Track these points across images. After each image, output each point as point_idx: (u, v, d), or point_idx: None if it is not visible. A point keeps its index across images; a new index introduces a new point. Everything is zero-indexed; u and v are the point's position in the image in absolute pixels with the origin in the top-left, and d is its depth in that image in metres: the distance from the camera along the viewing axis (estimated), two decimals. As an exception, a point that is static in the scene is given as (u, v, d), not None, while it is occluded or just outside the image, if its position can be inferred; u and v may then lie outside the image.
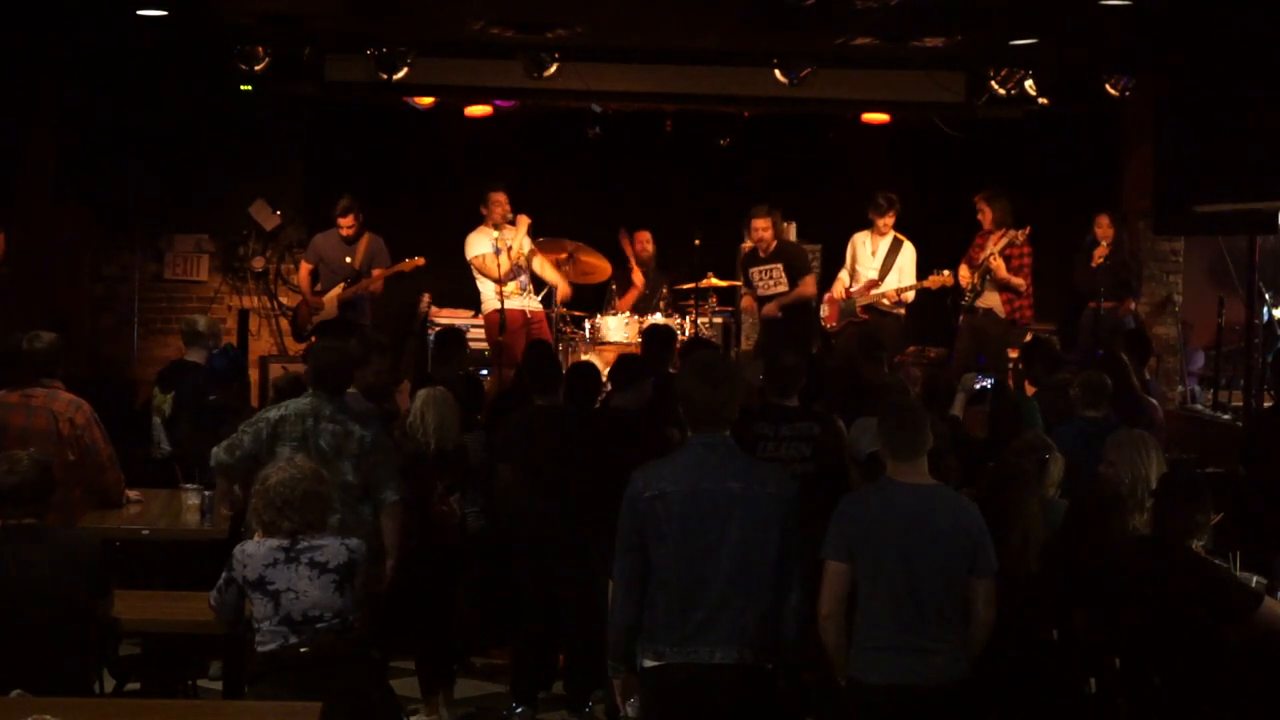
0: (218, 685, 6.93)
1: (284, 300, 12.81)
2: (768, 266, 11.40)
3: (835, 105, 12.92)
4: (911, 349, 12.11)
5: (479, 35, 11.10)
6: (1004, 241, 11.39)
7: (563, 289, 11.86)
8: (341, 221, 11.53)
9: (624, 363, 8.36)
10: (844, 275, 11.78)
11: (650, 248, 12.86)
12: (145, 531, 7.19)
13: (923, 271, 11.61)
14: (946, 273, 11.47)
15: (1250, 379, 10.74)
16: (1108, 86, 11.99)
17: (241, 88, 11.81)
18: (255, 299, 12.87)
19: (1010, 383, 10.64)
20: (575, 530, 7.23)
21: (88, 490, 7.31)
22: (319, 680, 5.24)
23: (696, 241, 11.99)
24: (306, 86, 12.05)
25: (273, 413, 6.57)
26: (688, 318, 12.01)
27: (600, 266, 12.54)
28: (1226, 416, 11.30)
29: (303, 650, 5.31)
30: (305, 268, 11.86)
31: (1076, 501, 6.32)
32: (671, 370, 8.78)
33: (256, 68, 11.36)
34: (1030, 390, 9.43)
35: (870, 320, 11.51)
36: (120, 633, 5.97)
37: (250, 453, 6.47)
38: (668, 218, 13.04)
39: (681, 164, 13.47)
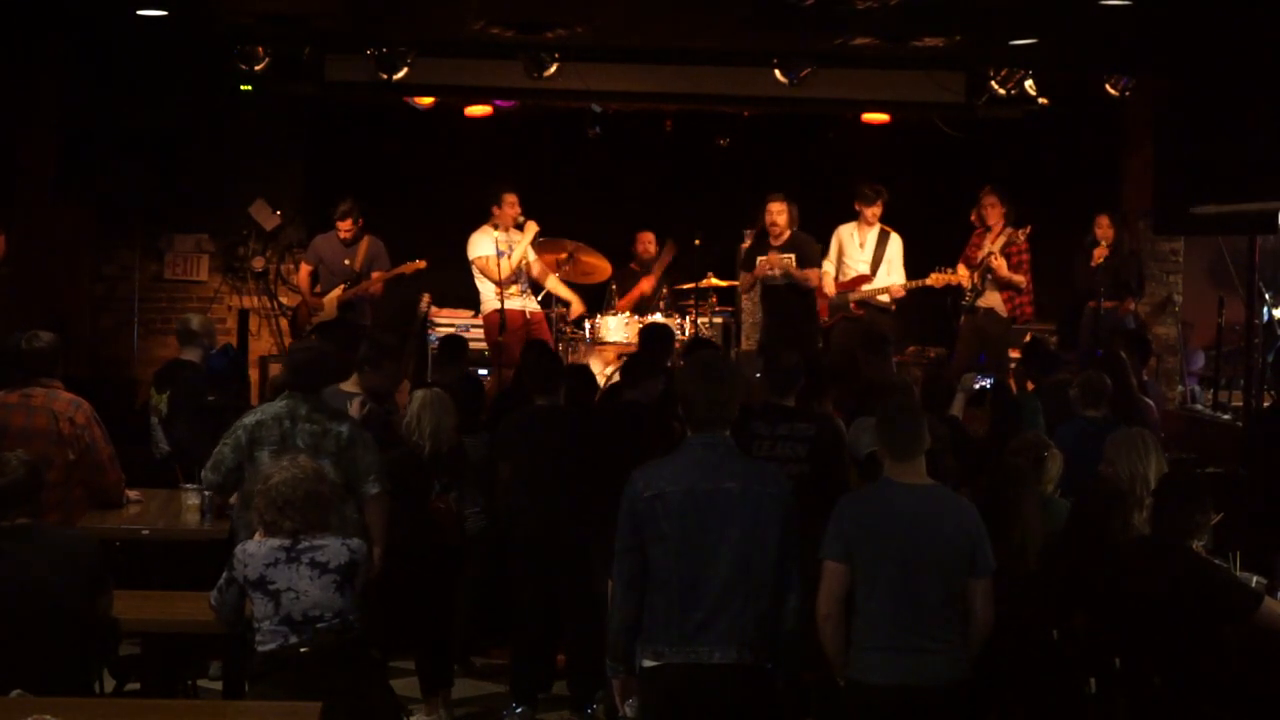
0: (218, 685, 6.93)
1: (284, 300, 12.81)
2: (780, 256, 11.27)
3: (835, 105, 12.92)
4: (911, 349, 12.11)
5: (479, 35, 11.09)
6: (1002, 240, 11.38)
7: (576, 307, 11.86)
8: (340, 225, 11.53)
9: (636, 359, 8.40)
10: (829, 268, 11.60)
11: (653, 249, 12.85)
12: (145, 531, 7.20)
13: (912, 268, 11.57)
14: (950, 270, 11.44)
15: (1250, 379, 10.74)
16: (1108, 86, 11.99)
17: (241, 88, 11.81)
18: (255, 299, 12.87)
19: (1012, 383, 10.63)
20: (575, 530, 7.23)
21: (88, 490, 7.31)
22: (319, 680, 5.24)
23: (696, 241, 11.99)
24: (306, 86, 12.04)
25: (249, 419, 6.60)
26: (688, 318, 12.00)
27: (600, 266, 12.54)
28: (1226, 416, 11.30)
29: (303, 650, 5.31)
30: (305, 269, 11.86)
31: (1078, 501, 6.32)
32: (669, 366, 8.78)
33: (256, 68, 11.36)
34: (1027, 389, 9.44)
35: (864, 316, 11.49)
36: (120, 633, 5.97)
37: (233, 464, 6.53)
38: (668, 218, 13.04)
39: (681, 164, 13.48)
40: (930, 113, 12.88)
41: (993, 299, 11.53)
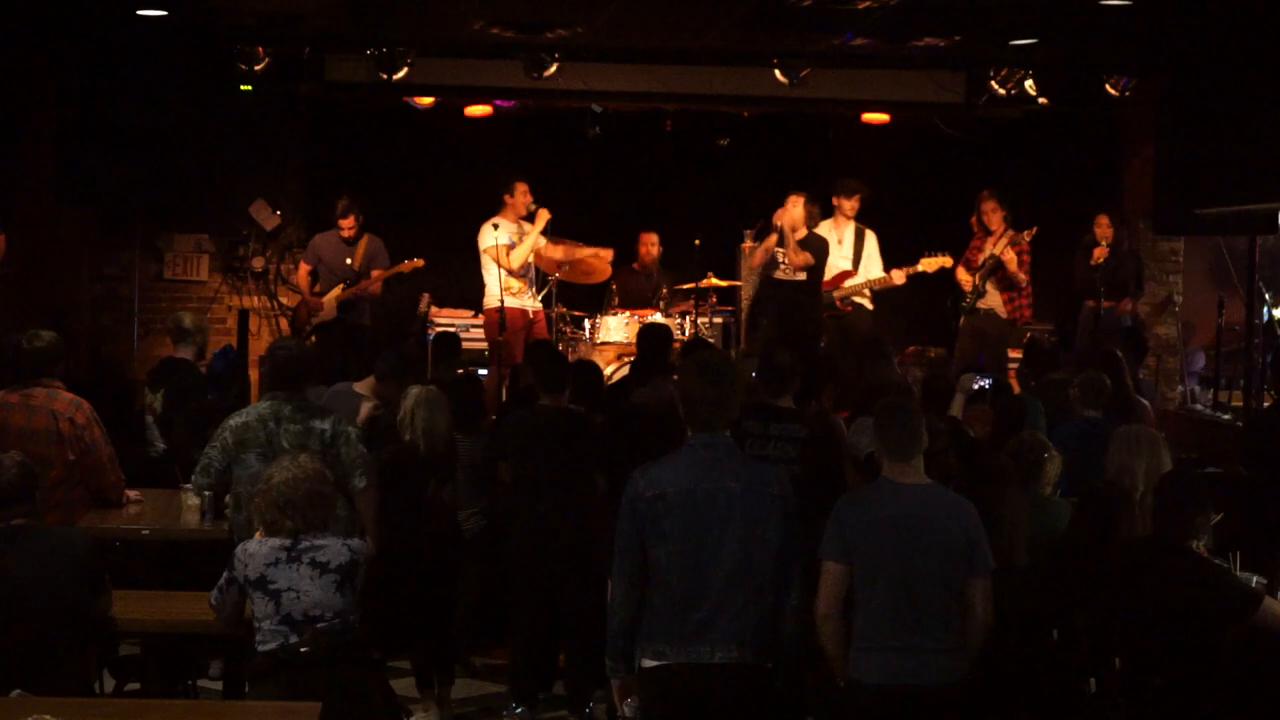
0: (218, 685, 6.93)
1: (284, 300, 12.81)
2: (800, 252, 11.20)
3: (835, 105, 12.91)
4: (911, 349, 12.11)
5: (479, 35, 11.09)
6: (1004, 242, 11.39)
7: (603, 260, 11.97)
8: (342, 223, 11.54)
9: (642, 361, 8.38)
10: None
11: (655, 250, 12.84)
12: (145, 531, 7.19)
13: (894, 263, 11.62)
14: (940, 254, 11.45)
15: (1250, 379, 10.74)
16: (1108, 86, 11.99)
17: (241, 88, 11.81)
18: (255, 299, 12.87)
19: (1015, 383, 10.62)
20: (575, 529, 7.23)
21: (88, 491, 7.31)
22: (319, 680, 5.24)
23: (696, 241, 11.99)
24: (306, 86, 12.05)
25: (233, 420, 6.61)
26: (688, 318, 12.00)
27: (600, 267, 12.54)
28: (1226, 416, 11.30)
29: (303, 650, 5.30)
30: (304, 268, 11.87)
31: (1079, 501, 6.31)
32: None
33: (256, 68, 11.35)
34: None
35: (851, 312, 11.49)
36: (119, 632, 5.97)
37: (221, 466, 6.57)
38: (668, 218, 13.04)
39: (681, 164, 13.47)
40: (930, 113, 12.87)
41: (993, 300, 11.55)
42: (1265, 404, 10.31)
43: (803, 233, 11.11)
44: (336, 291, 11.58)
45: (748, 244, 11.95)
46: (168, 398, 8.54)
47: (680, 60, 12.14)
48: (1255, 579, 5.82)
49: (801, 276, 11.14)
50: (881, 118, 13.17)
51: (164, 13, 10.22)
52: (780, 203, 11.37)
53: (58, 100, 11.63)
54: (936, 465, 5.44)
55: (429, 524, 7.31)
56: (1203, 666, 5.37)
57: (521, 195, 11.42)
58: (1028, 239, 11.35)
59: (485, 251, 11.43)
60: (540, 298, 11.79)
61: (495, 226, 11.40)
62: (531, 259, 11.53)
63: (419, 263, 11.63)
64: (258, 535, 5.51)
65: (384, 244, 11.71)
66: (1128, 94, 12.07)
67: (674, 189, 13.43)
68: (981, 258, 11.50)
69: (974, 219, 11.65)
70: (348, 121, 12.99)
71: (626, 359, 11.26)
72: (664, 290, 12.70)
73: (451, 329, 11.37)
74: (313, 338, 11.40)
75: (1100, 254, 11.86)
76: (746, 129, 13.42)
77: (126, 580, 6.41)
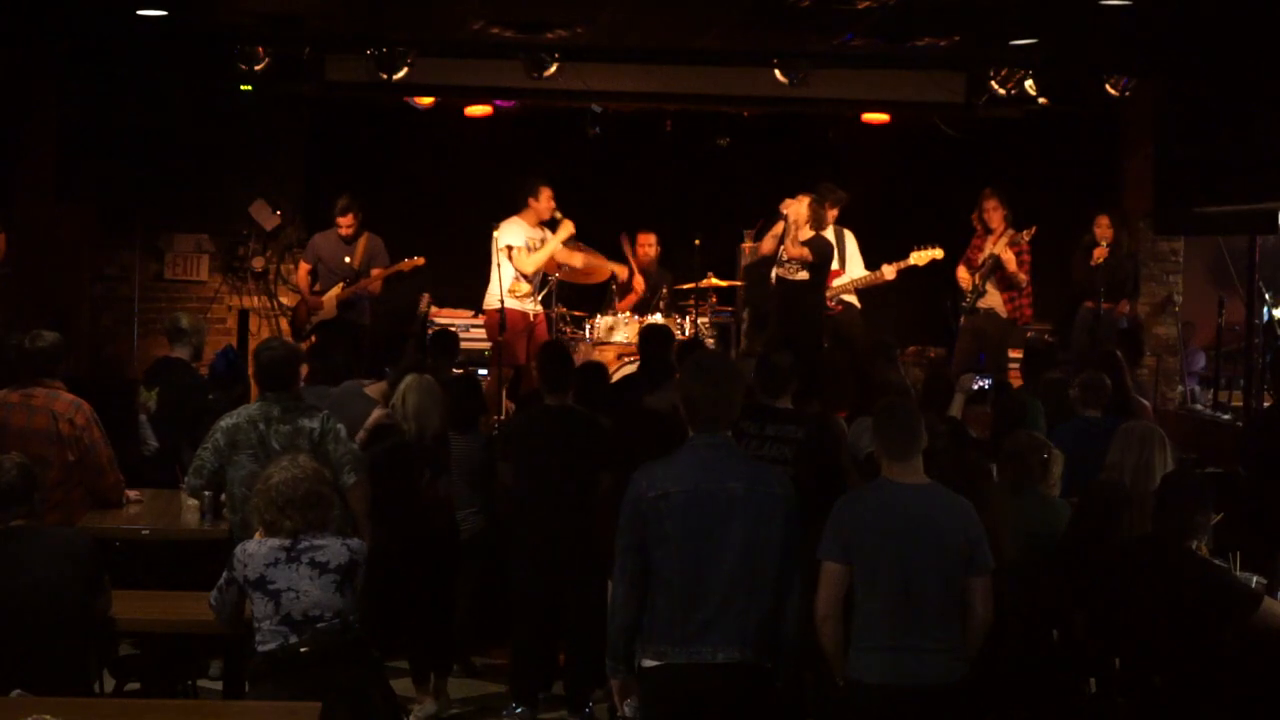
0: (218, 685, 6.92)
1: (284, 300, 12.81)
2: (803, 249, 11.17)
3: (835, 105, 12.91)
4: (912, 349, 12.11)
5: (479, 35, 11.09)
6: (1004, 241, 11.39)
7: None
8: (341, 221, 11.53)
9: (649, 364, 8.38)
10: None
11: (653, 251, 12.83)
12: (145, 531, 7.20)
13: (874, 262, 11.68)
14: (930, 247, 11.46)
15: (1250, 379, 10.75)
16: (1108, 86, 11.99)
17: (241, 88, 11.81)
18: (255, 299, 12.86)
19: (1017, 382, 10.62)
20: (577, 529, 7.23)
21: (88, 492, 7.30)
22: (319, 680, 5.24)
23: (696, 241, 11.99)
24: (306, 86, 12.04)
25: (225, 421, 6.68)
26: (688, 318, 12.00)
27: (600, 266, 12.53)
28: (1226, 416, 11.30)
29: (303, 650, 5.30)
30: (304, 268, 11.87)
31: (1079, 501, 6.31)
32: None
33: (256, 68, 11.35)
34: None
35: (841, 311, 11.50)
36: (119, 632, 5.97)
37: (214, 467, 6.65)
38: (668, 218, 13.03)
39: (681, 164, 13.47)
40: (930, 113, 12.87)
41: (993, 300, 11.55)
42: (1265, 404, 10.32)
43: (808, 232, 11.10)
44: (336, 290, 11.58)
45: (748, 244, 11.94)
46: (162, 397, 8.55)
47: (680, 60, 12.14)
48: (1255, 579, 5.82)
49: (804, 276, 11.11)
50: (881, 118, 13.17)
51: (164, 13, 10.23)
52: (778, 204, 11.40)
53: (58, 100, 11.64)
54: (936, 465, 5.44)
55: (426, 521, 7.31)
56: (1203, 666, 5.37)
57: (546, 200, 11.39)
58: (1027, 238, 11.35)
59: (502, 250, 11.36)
60: (540, 299, 11.78)
61: (517, 226, 11.37)
62: (550, 268, 11.51)
63: (419, 261, 11.62)
64: (257, 535, 5.52)
65: (383, 243, 11.70)
66: (1127, 94, 12.07)
67: (674, 189, 13.43)
68: (981, 257, 11.51)
69: (975, 216, 11.65)
70: (348, 121, 12.98)
71: (627, 359, 11.25)
72: (664, 290, 12.70)
73: (451, 328, 11.37)
74: (313, 337, 11.40)
75: (1100, 254, 11.85)
76: (746, 129, 13.42)
77: (126, 580, 6.40)
